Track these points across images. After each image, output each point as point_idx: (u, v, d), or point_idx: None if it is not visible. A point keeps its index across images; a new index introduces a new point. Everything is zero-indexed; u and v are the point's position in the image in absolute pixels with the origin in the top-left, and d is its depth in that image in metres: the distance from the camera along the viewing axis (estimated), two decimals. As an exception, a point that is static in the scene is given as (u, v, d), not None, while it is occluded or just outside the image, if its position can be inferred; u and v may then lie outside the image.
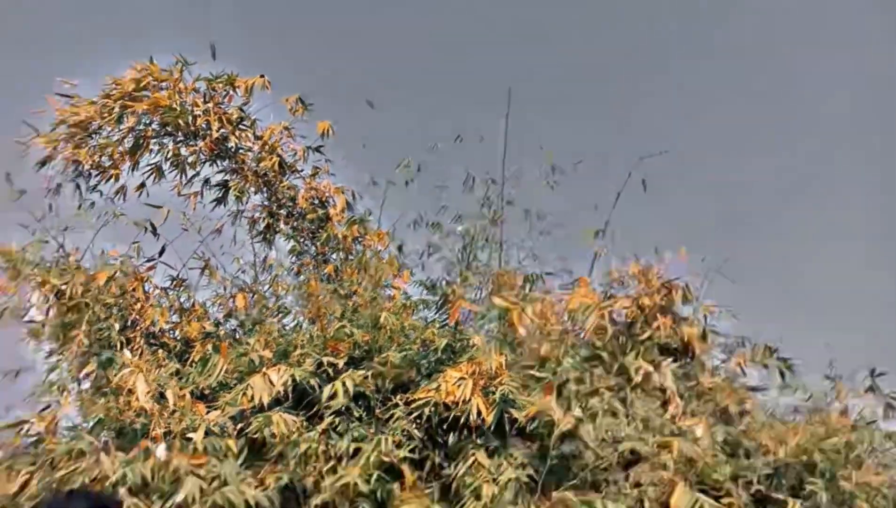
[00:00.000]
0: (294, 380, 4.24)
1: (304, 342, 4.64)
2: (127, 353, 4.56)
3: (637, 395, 4.31)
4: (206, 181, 5.63)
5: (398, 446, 4.11)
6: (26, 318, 4.85)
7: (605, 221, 5.38)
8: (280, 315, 5.22)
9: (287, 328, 5.14)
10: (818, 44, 9.35)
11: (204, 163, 5.57)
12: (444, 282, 5.40)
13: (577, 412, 4.12)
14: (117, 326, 4.73)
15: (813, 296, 6.69)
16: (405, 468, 4.12)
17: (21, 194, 4.98)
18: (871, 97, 9.21)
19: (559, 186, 5.75)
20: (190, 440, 3.95)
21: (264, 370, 4.27)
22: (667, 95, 9.62)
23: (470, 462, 4.11)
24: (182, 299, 5.24)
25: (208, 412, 4.19)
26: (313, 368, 4.40)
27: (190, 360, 4.64)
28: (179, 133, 5.48)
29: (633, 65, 9.89)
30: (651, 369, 4.39)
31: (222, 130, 5.44)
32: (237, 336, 5.10)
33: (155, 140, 5.47)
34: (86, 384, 4.70)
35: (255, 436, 4.10)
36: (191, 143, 5.52)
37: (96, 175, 5.36)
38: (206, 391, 4.49)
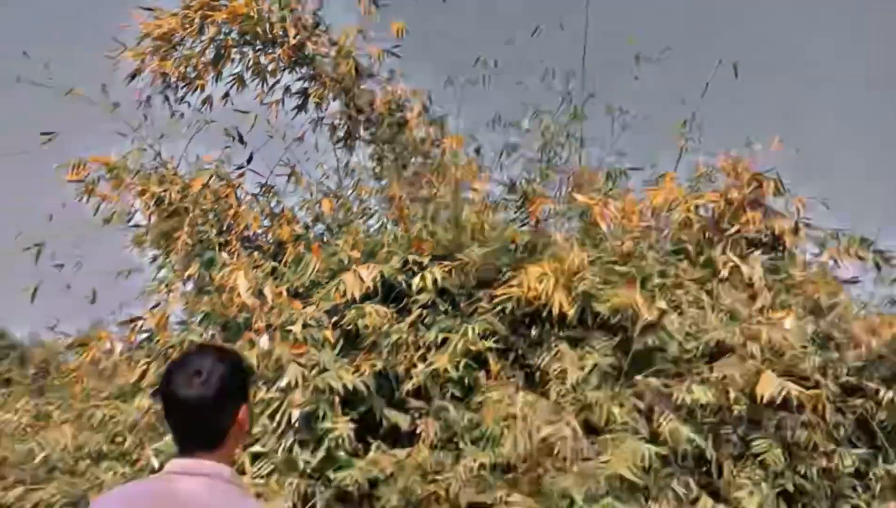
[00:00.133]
0: (382, 276, 4.41)
1: (389, 242, 4.80)
2: (225, 255, 4.85)
3: (724, 288, 4.27)
4: (287, 89, 5.70)
5: (483, 337, 4.26)
6: (131, 223, 5.22)
7: (693, 112, 5.17)
8: (365, 218, 5.38)
9: (372, 229, 5.30)
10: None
11: (283, 71, 5.64)
12: (523, 181, 5.38)
13: (662, 303, 4.13)
14: (214, 230, 5.01)
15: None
16: (490, 357, 4.29)
17: (115, 106, 5.21)
18: None
19: (644, 78, 5.51)
20: (290, 331, 4.21)
21: (354, 267, 4.45)
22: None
23: (553, 352, 4.24)
24: (272, 205, 5.45)
25: (304, 308, 4.44)
26: (399, 265, 4.56)
27: (283, 260, 4.86)
28: (258, 41, 5.54)
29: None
30: (739, 262, 4.32)
31: (298, 37, 5.47)
32: (325, 239, 5.30)
33: (236, 49, 5.56)
34: (189, 285, 5.05)
35: (349, 328, 4.34)
36: (269, 51, 5.57)
37: (183, 86, 5.53)
38: (300, 289, 4.74)
